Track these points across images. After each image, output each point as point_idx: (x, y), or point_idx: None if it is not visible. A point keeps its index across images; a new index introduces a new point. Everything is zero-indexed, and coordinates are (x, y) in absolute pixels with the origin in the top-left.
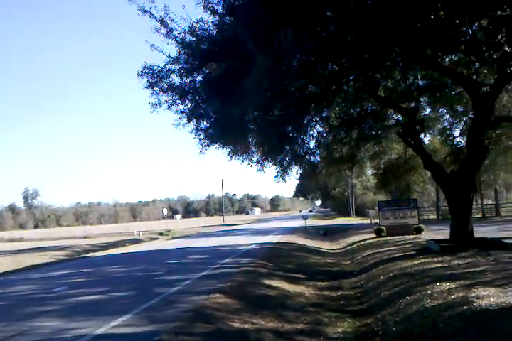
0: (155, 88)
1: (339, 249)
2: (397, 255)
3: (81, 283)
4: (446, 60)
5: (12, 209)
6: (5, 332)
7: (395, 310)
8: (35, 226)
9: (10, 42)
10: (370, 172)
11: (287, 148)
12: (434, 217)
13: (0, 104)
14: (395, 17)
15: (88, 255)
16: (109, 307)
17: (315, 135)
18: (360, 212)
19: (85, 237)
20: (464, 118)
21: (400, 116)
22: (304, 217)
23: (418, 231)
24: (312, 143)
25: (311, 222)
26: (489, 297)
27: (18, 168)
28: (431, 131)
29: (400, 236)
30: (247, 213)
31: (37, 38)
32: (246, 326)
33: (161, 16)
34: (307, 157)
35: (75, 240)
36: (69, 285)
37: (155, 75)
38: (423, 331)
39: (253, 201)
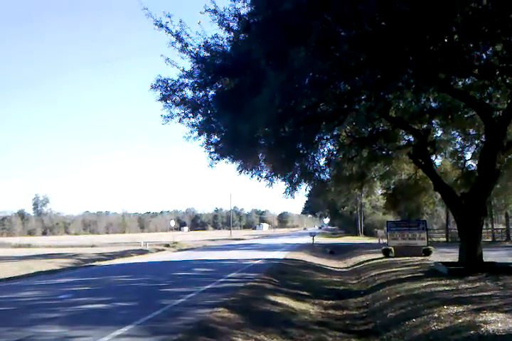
0: (168, 101)
1: (346, 267)
2: (404, 276)
3: (86, 292)
4: (460, 83)
5: (21, 215)
6: (8, 337)
7: (401, 332)
8: (44, 233)
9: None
10: (379, 191)
11: (297, 164)
12: (443, 239)
13: (13, 108)
14: (408, 39)
15: (94, 264)
16: (112, 316)
17: (325, 153)
18: (369, 232)
19: (92, 246)
20: (476, 142)
21: (411, 137)
22: (312, 234)
23: (427, 253)
24: (322, 161)
25: (319, 240)
26: (497, 322)
27: (29, 174)
28: (442, 153)
29: (408, 258)
30: (255, 228)
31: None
32: None
33: (176, 31)
34: (316, 174)
35: (82, 248)
36: (74, 293)
37: (168, 88)
38: None
39: (261, 216)
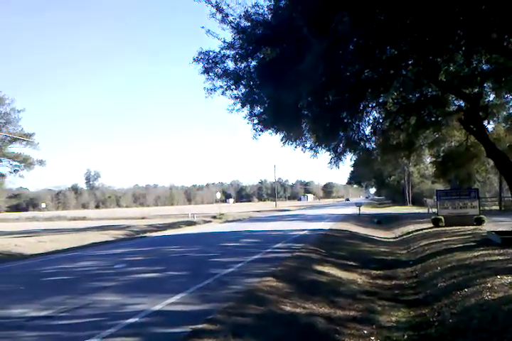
0: (210, 73)
1: (394, 238)
2: (455, 246)
3: (139, 262)
4: None
5: (75, 189)
6: (69, 305)
7: (452, 302)
8: (96, 207)
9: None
10: (428, 160)
11: (341, 134)
12: (496, 207)
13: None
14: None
15: (146, 235)
16: (165, 285)
17: (371, 121)
18: (417, 201)
19: (143, 218)
20: None
21: (461, 102)
22: (358, 205)
23: (479, 222)
24: (367, 130)
25: (365, 210)
26: None
27: (80, 150)
28: (495, 118)
29: (459, 227)
30: (300, 199)
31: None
32: (297, 310)
33: (216, 1)
34: (362, 143)
35: (133, 220)
36: (128, 262)
37: (210, 61)
38: (481, 324)
39: (306, 187)
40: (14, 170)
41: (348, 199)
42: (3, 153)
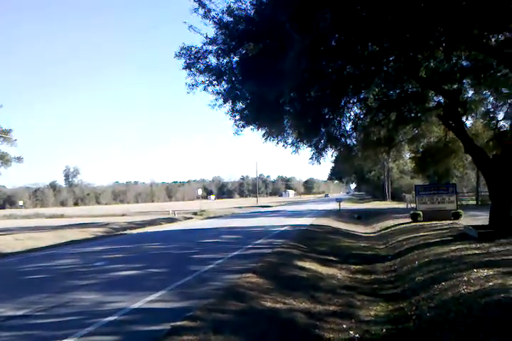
0: (192, 69)
1: (373, 232)
2: (433, 240)
3: (119, 259)
4: (493, 39)
5: (53, 186)
6: (46, 303)
7: (430, 296)
8: (75, 204)
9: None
10: (407, 155)
11: (323, 130)
12: (473, 202)
13: (43, 80)
14: None
15: (126, 232)
16: (144, 282)
17: (352, 117)
18: (396, 196)
19: (123, 215)
20: (509, 101)
21: (441, 98)
22: (338, 200)
23: (456, 216)
24: (348, 126)
25: (345, 206)
26: None
27: (59, 147)
28: (473, 114)
29: (437, 222)
30: (281, 195)
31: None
32: (278, 306)
33: None
34: (343, 139)
35: (113, 218)
36: (107, 260)
37: (192, 56)
38: (458, 317)
39: (287, 183)
40: None
41: (327, 195)
42: None
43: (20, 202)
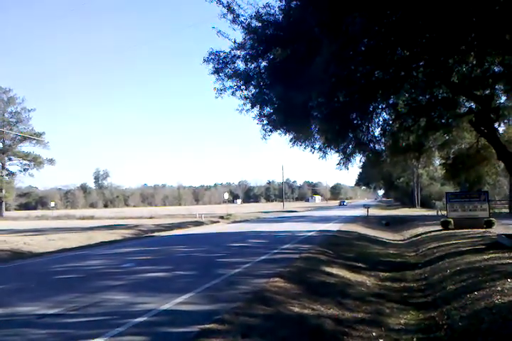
0: (220, 74)
1: (402, 240)
2: (465, 248)
3: (147, 261)
4: None
5: (84, 188)
6: (78, 303)
7: (462, 305)
8: (105, 206)
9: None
10: (438, 162)
11: (351, 135)
12: (506, 210)
13: (77, 83)
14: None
15: (154, 234)
16: (173, 284)
17: (380, 122)
18: (426, 204)
19: (151, 217)
20: None
21: (473, 103)
22: (366, 206)
23: (488, 224)
24: (377, 131)
25: (373, 212)
26: None
27: (89, 149)
28: (506, 120)
29: (469, 230)
30: (307, 200)
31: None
32: (305, 311)
33: (227, 2)
34: (371, 145)
35: (141, 220)
36: (136, 262)
37: (220, 61)
38: (491, 328)
39: (313, 188)
40: (24, 169)
41: (343, 203)
42: (14, 152)
43: (52, 204)
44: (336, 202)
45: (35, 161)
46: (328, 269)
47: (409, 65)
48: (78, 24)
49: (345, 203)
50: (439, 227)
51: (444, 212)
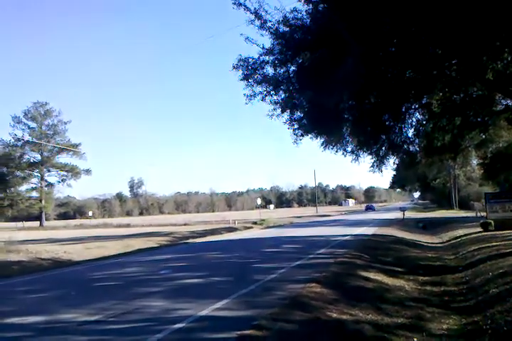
0: (250, 80)
1: (441, 242)
2: (507, 250)
3: (183, 267)
4: None
5: (120, 197)
6: (116, 310)
7: (506, 309)
8: (140, 214)
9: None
10: (475, 162)
11: (383, 137)
12: None
13: (111, 94)
14: None
15: (188, 241)
16: (209, 291)
17: (413, 123)
18: (464, 205)
19: (185, 224)
20: None
21: (509, 101)
22: (402, 209)
23: None
24: (410, 132)
25: (409, 214)
26: None
27: (125, 158)
28: None
29: (510, 231)
30: (341, 204)
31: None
32: (344, 317)
33: (255, 8)
34: (405, 146)
35: (175, 227)
36: (172, 268)
37: (249, 67)
38: None
39: (347, 192)
40: (62, 180)
41: (370, 207)
42: (52, 163)
43: (90, 213)
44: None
45: (73, 172)
46: (365, 274)
47: (441, 64)
48: (120, 34)
49: (374, 207)
50: (479, 229)
51: (484, 214)
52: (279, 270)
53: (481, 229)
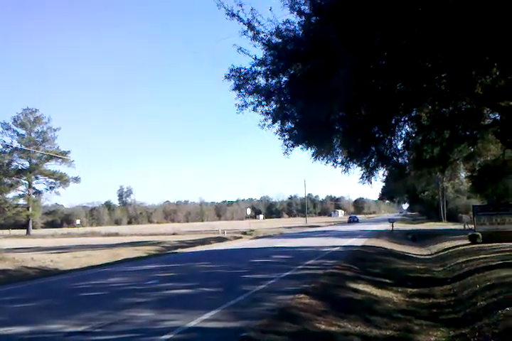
0: (241, 90)
1: (429, 254)
2: (494, 263)
3: (171, 277)
4: None
5: (108, 205)
6: (103, 320)
7: (494, 322)
8: (129, 222)
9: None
10: (463, 174)
11: (373, 149)
12: None
13: (101, 102)
14: (495, 9)
15: (177, 251)
16: (197, 301)
17: (403, 135)
18: (452, 217)
19: (174, 234)
20: None
21: (497, 115)
22: (391, 221)
23: None
24: (400, 144)
25: (398, 226)
26: None
27: (114, 167)
28: None
29: (498, 243)
30: (330, 215)
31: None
32: (332, 328)
33: (248, 19)
34: (394, 158)
35: (164, 236)
36: (160, 278)
37: (241, 77)
38: None
39: (336, 203)
40: (50, 187)
41: (353, 218)
42: (40, 170)
43: (78, 221)
44: (361, 217)
45: (61, 179)
46: (354, 285)
47: (431, 77)
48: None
49: (357, 219)
50: (467, 241)
51: (472, 226)
52: (268, 281)
53: (469, 242)
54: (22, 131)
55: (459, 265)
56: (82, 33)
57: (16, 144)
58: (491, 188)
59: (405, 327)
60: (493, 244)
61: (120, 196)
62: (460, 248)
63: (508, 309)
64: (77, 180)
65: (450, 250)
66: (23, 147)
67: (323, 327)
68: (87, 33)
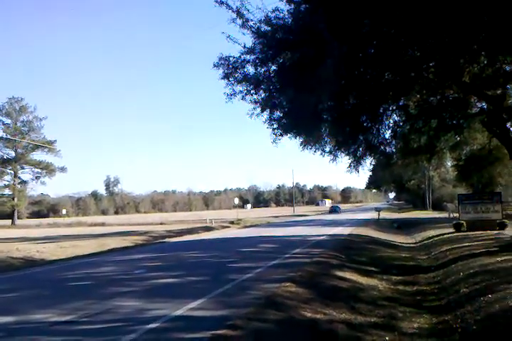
0: (230, 79)
1: (414, 243)
2: (478, 251)
3: (159, 267)
4: None
5: (95, 195)
6: (90, 310)
7: (476, 308)
8: (116, 212)
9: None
10: (449, 163)
11: (361, 138)
12: None
13: (88, 93)
14: None
15: (164, 240)
16: (184, 290)
17: (391, 124)
18: (438, 206)
19: (161, 223)
20: None
21: (484, 104)
22: (377, 209)
23: (502, 226)
24: (387, 133)
25: (385, 215)
26: None
27: (100, 157)
28: None
29: (482, 232)
30: (318, 204)
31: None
32: (318, 316)
33: (237, 7)
34: (382, 147)
35: (152, 226)
36: (147, 268)
37: (230, 66)
38: (507, 330)
39: (323, 192)
40: (36, 177)
41: (335, 209)
42: (26, 160)
43: (64, 211)
44: (347, 206)
45: (47, 169)
46: (340, 273)
47: (419, 66)
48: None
49: (338, 209)
50: (452, 230)
51: (456, 215)
52: (256, 269)
53: (454, 230)
54: (7, 120)
55: (443, 253)
56: (65, 19)
57: (1, 133)
58: (476, 177)
59: (389, 314)
60: (477, 232)
61: (107, 186)
62: (445, 236)
63: (489, 296)
64: (63, 169)
65: (435, 238)
66: (8, 136)
67: (308, 314)
68: (71, 20)
